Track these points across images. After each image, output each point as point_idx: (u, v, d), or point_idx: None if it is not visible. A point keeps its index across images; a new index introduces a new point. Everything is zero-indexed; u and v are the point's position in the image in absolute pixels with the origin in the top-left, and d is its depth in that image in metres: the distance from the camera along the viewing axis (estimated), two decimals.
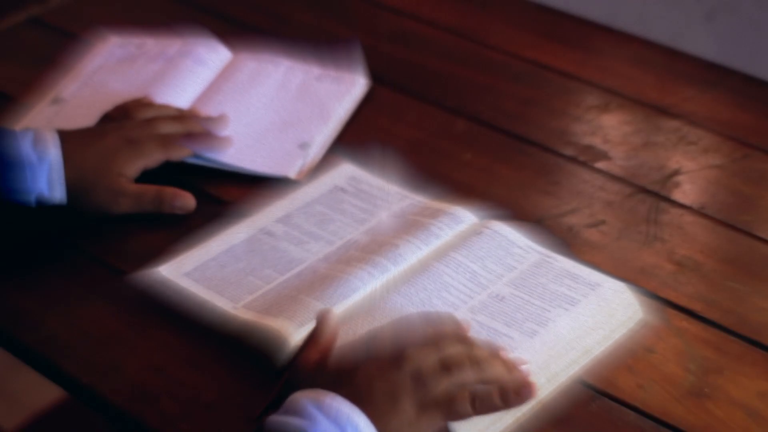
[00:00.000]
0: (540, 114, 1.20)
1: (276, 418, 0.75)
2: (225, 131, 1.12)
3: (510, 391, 0.80)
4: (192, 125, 1.09)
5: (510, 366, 0.83)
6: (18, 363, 0.93)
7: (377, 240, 0.99)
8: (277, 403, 0.78)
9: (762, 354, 0.91)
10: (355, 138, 1.15)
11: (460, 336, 0.84)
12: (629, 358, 0.89)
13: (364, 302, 0.92)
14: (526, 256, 0.98)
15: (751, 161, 1.13)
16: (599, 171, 1.12)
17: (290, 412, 0.75)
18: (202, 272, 0.96)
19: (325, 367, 0.81)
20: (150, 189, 1.03)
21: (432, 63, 1.28)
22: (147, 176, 1.04)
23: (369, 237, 1.00)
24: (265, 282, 0.95)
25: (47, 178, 0.98)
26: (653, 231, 1.04)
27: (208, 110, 1.15)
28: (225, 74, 1.23)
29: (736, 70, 1.26)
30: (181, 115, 1.11)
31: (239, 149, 1.11)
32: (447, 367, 0.80)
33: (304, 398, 0.76)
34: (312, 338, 0.84)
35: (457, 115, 1.20)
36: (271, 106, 1.18)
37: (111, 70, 1.23)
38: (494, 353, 0.83)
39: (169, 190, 1.04)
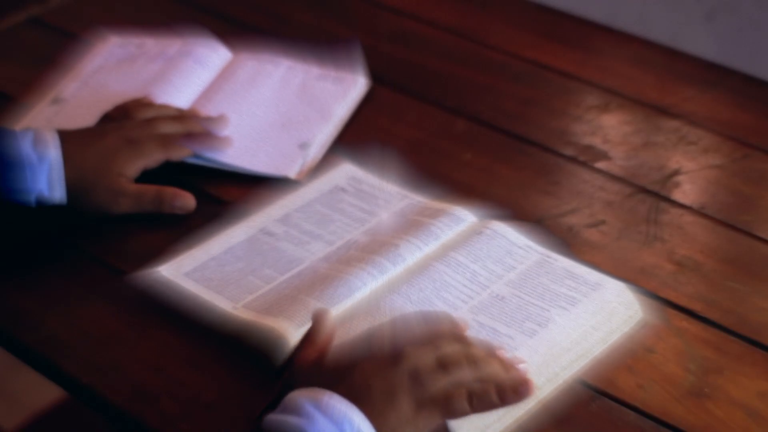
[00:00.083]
0: (540, 114, 1.20)
1: (274, 417, 0.75)
2: (225, 131, 1.12)
3: (507, 389, 0.80)
4: (192, 125, 1.09)
5: (507, 365, 0.83)
6: (18, 363, 0.93)
7: (377, 240, 0.99)
8: (276, 402, 0.78)
9: (762, 354, 0.91)
10: (355, 138, 1.15)
11: (457, 335, 0.84)
12: (629, 358, 0.89)
13: (363, 302, 0.92)
14: (527, 256, 0.98)
15: (751, 161, 1.13)
16: (599, 171, 1.12)
17: (288, 411, 0.75)
18: (202, 272, 0.96)
19: (322, 366, 0.81)
20: (150, 189, 1.03)
21: (432, 63, 1.28)
22: (147, 176, 1.04)
23: (369, 237, 1.00)
24: (265, 282, 0.95)
25: (47, 178, 0.98)
26: (653, 231, 1.04)
27: (208, 110, 1.15)
28: (225, 74, 1.23)
29: (736, 70, 1.26)
30: (181, 115, 1.11)
31: (239, 149, 1.11)
32: (444, 365, 0.80)
33: (301, 397, 0.76)
34: (309, 337, 0.84)
35: (457, 115, 1.20)
36: (271, 106, 1.18)
37: (111, 70, 1.23)
38: (491, 352, 0.83)
39: (169, 190, 1.04)
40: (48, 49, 1.27)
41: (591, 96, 1.23)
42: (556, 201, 1.07)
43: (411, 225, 1.00)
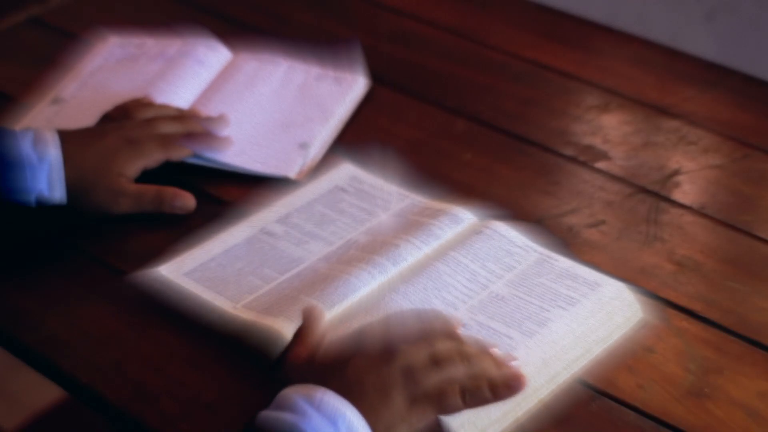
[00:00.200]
0: (540, 114, 1.20)
1: (267, 414, 0.75)
2: (225, 131, 1.12)
3: (500, 384, 0.80)
4: (192, 125, 1.09)
5: (499, 361, 0.83)
6: (18, 363, 0.93)
7: (377, 240, 0.99)
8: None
9: (762, 354, 0.91)
10: (355, 138, 1.15)
11: (450, 332, 0.84)
12: (629, 358, 0.89)
13: (363, 301, 0.92)
14: (526, 255, 0.98)
15: (751, 161, 1.13)
16: (599, 171, 1.12)
17: (281, 408, 0.75)
18: (202, 272, 0.96)
19: (314, 363, 0.81)
20: (150, 189, 1.03)
21: (432, 63, 1.28)
22: (147, 176, 1.04)
23: (369, 237, 1.00)
24: (265, 282, 0.95)
25: (47, 178, 0.98)
26: (653, 231, 1.04)
27: (208, 110, 1.15)
28: (225, 74, 1.23)
29: (736, 70, 1.26)
30: (181, 115, 1.11)
31: (239, 149, 1.11)
32: (437, 362, 0.80)
33: (295, 393, 0.76)
34: (300, 334, 0.85)
35: (457, 115, 1.20)
36: (271, 106, 1.18)
37: (111, 70, 1.23)
38: (484, 349, 0.84)
39: (169, 190, 1.04)
40: (48, 49, 1.27)
41: (591, 96, 1.23)
42: (556, 201, 1.07)
43: (411, 225, 1.00)
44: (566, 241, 1.01)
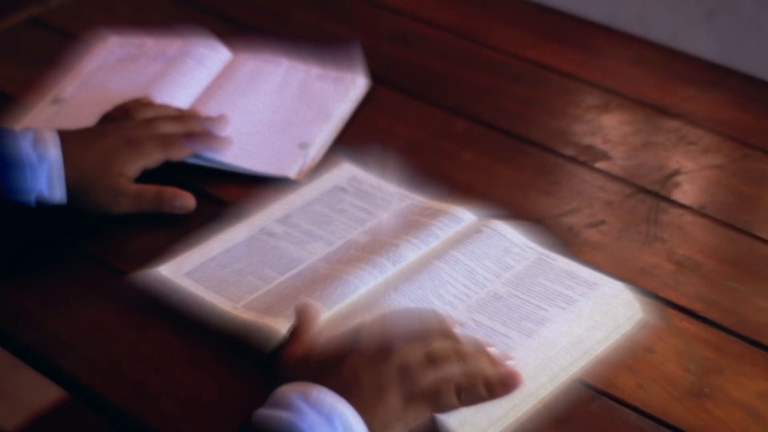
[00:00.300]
0: (540, 114, 1.20)
1: (263, 412, 0.75)
2: (225, 131, 1.12)
3: (495, 382, 0.80)
4: (192, 125, 1.09)
5: (495, 360, 0.83)
6: (18, 363, 0.93)
7: (377, 240, 0.99)
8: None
9: (762, 354, 0.91)
10: (355, 138, 1.15)
11: (445, 331, 0.84)
12: (629, 358, 0.89)
13: (360, 299, 0.92)
14: (524, 255, 0.98)
15: (751, 161, 1.13)
16: (599, 171, 1.12)
17: (277, 406, 0.75)
18: (202, 272, 0.96)
19: (309, 360, 0.82)
20: (150, 189, 1.03)
21: (432, 63, 1.28)
22: (147, 176, 1.04)
23: (369, 237, 1.00)
24: (265, 282, 0.95)
25: (47, 178, 0.98)
26: (653, 231, 1.04)
27: (208, 110, 1.15)
28: (225, 74, 1.23)
29: (736, 70, 1.26)
30: (181, 115, 1.11)
31: (239, 149, 1.11)
32: (433, 360, 0.80)
33: (291, 391, 0.76)
34: (295, 332, 0.85)
35: (457, 115, 1.20)
36: (271, 106, 1.18)
37: (111, 70, 1.23)
38: (480, 348, 0.84)
39: (169, 190, 1.04)
40: (48, 49, 1.27)
41: (591, 96, 1.23)
42: (556, 201, 1.07)
43: (411, 225, 1.00)
44: (566, 241, 1.01)
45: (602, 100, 1.22)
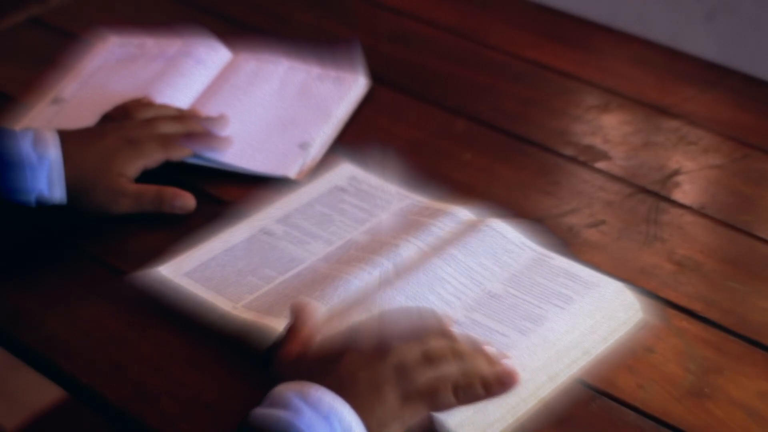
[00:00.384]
0: (540, 114, 1.20)
1: (261, 411, 0.75)
2: (225, 131, 1.12)
3: (493, 381, 0.81)
4: (192, 125, 1.09)
5: (492, 359, 0.83)
6: (18, 363, 0.93)
7: (377, 240, 0.99)
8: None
9: (762, 354, 0.91)
10: (355, 138, 1.15)
11: (442, 330, 0.84)
12: (629, 358, 0.89)
13: (359, 297, 0.92)
14: (522, 254, 0.97)
15: (751, 161, 1.13)
16: (599, 171, 1.12)
17: (275, 404, 0.75)
18: (202, 272, 0.96)
19: (306, 359, 0.82)
20: (150, 189, 1.03)
21: (432, 63, 1.28)
22: (147, 176, 1.04)
23: (369, 237, 1.00)
24: (265, 282, 0.95)
25: (47, 178, 0.98)
26: (653, 231, 1.04)
27: (208, 110, 1.15)
28: (225, 74, 1.23)
29: (736, 70, 1.26)
30: (181, 115, 1.11)
31: (239, 149, 1.11)
32: (430, 359, 0.80)
33: (288, 390, 0.76)
34: (291, 330, 0.85)
35: (457, 115, 1.20)
36: (271, 106, 1.18)
37: (111, 70, 1.23)
38: (477, 347, 0.84)
39: (169, 190, 1.04)
40: (48, 49, 1.27)
41: (591, 96, 1.23)
42: (556, 201, 1.07)
43: (411, 225, 1.00)
44: (566, 241, 1.01)
45: (602, 100, 1.22)
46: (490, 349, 0.85)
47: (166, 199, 1.03)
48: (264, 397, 0.77)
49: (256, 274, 0.96)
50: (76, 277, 0.98)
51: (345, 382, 0.77)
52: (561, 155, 1.14)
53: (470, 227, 0.99)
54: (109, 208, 1.02)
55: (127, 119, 1.08)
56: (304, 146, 1.12)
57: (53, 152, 0.99)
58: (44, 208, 0.98)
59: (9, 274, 0.97)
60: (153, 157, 1.05)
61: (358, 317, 0.87)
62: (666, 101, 1.22)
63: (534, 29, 1.35)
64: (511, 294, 0.93)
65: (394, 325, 0.82)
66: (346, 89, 1.20)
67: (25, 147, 0.98)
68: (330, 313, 0.90)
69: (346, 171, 1.08)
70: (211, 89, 1.20)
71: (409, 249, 0.97)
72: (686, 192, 1.09)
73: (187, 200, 1.04)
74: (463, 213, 1.01)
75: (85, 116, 1.10)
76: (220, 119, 1.12)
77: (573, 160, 1.13)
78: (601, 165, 1.12)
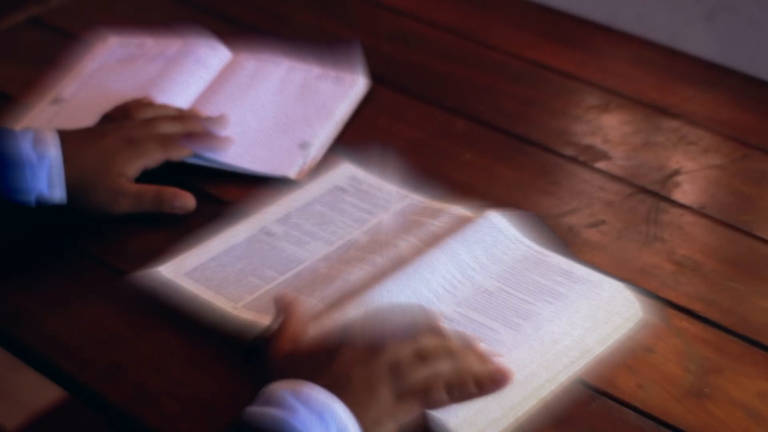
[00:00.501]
0: (540, 114, 1.20)
1: (254, 409, 0.75)
2: (225, 131, 1.12)
3: (485, 379, 0.81)
4: (192, 125, 1.09)
5: (484, 357, 0.83)
6: (18, 363, 0.93)
7: (377, 240, 0.99)
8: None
9: (762, 354, 0.91)
10: (355, 138, 1.15)
11: (435, 328, 0.84)
12: (629, 358, 0.89)
13: (351, 290, 0.92)
14: (514, 248, 0.97)
15: (751, 161, 1.13)
16: (599, 171, 1.12)
17: (269, 403, 0.75)
18: (202, 272, 0.96)
19: (297, 357, 0.81)
20: (150, 189, 1.03)
21: (432, 63, 1.28)
22: (147, 176, 1.04)
23: (369, 237, 1.00)
24: (266, 282, 0.95)
25: (47, 178, 0.98)
26: (653, 231, 1.04)
27: (208, 110, 1.15)
28: (225, 74, 1.23)
29: (736, 70, 1.26)
30: (181, 115, 1.11)
31: (239, 149, 1.11)
32: (423, 357, 0.80)
33: (281, 388, 0.76)
34: (281, 328, 0.85)
35: (457, 115, 1.20)
36: (272, 106, 1.18)
37: (111, 70, 1.23)
38: (469, 344, 0.84)
39: (169, 190, 1.04)
40: (48, 49, 1.27)
41: (591, 96, 1.23)
42: (556, 201, 1.07)
43: (411, 225, 1.00)
44: (566, 240, 1.01)
45: (602, 100, 1.22)
46: (482, 346, 0.85)
47: (166, 199, 1.03)
48: (257, 395, 0.77)
49: (256, 274, 0.96)
50: (76, 277, 0.98)
51: (339, 380, 0.77)
52: (561, 155, 1.14)
53: (467, 219, 0.99)
54: (109, 208, 1.02)
55: (127, 119, 1.08)
56: (304, 146, 1.12)
57: (53, 152, 0.99)
58: (44, 208, 0.98)
59: (9, 274, 0.97)
60: (153, 157, 1.05)
61: (351, 313, 0.87)
62: (666, 101, 1.22)
63: (534, 29, 1.35)
64: (502, 290, 0.93)
65: (386, 323, 0.82)
66: (346, 89, 1.20)
67: (25, 147, 0.98)
68: (322, 308, 0.90)
69: (346, 171, 1.08)
70: (211, 89, 1.20)
71: (409, 249, 0.97)
72: (686, 192, 1.09)
73: (187, 200, 1.04)
74: (463, 213, 1.01)
75: (85, 116, 1.10)
76: (220, 119, 1.12)
77: (573, 160, 1.13)
78: (601, 165, 1.12)
